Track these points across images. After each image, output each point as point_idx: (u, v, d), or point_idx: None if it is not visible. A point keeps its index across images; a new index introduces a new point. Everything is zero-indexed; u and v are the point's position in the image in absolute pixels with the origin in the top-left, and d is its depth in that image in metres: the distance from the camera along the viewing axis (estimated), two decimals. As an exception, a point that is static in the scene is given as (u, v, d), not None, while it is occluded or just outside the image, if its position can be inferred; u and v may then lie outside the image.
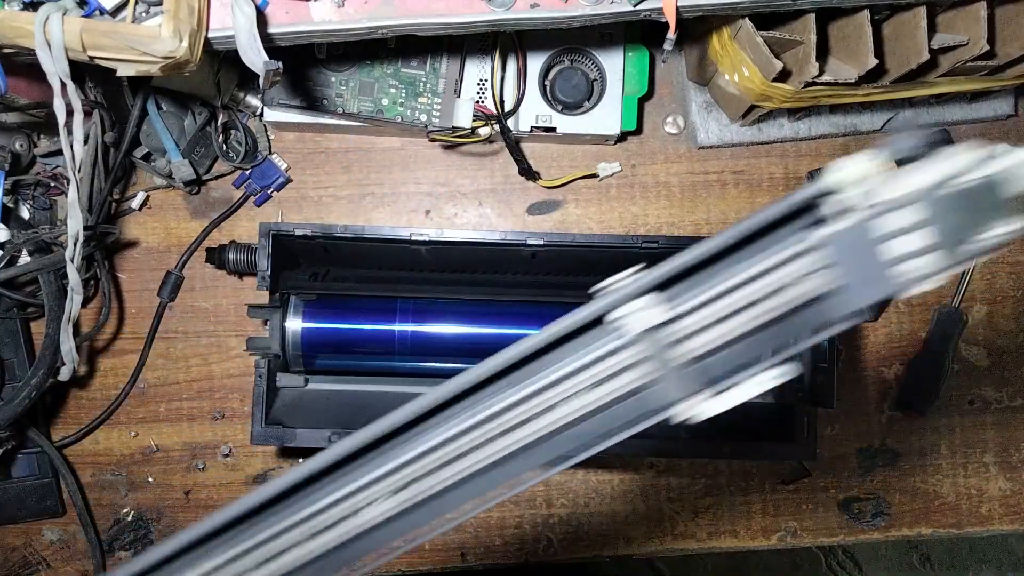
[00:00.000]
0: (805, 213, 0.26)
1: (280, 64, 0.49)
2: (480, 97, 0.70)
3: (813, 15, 0.60)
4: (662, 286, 0.26)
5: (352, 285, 0.67)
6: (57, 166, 0.70)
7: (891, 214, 0.24)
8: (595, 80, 0.71)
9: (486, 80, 0.70)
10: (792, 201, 0.25)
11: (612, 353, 0.27)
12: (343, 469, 0.29)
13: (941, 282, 0.25)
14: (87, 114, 0.64)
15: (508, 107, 0.70)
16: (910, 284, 0.25)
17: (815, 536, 0.78)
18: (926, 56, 0.60)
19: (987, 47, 0.61)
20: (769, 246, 0.26)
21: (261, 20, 0.51)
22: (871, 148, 0.26)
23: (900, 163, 0.25)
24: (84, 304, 0.73)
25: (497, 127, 0.70)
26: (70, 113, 0.50)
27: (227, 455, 0.75)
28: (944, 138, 0.26)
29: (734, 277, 0.26)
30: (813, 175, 0.75)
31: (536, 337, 0.27)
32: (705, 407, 0.26)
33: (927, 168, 0.24)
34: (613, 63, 0.71)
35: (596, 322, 0.27)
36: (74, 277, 0.58)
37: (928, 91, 0.68)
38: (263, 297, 0.62)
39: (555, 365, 0.28)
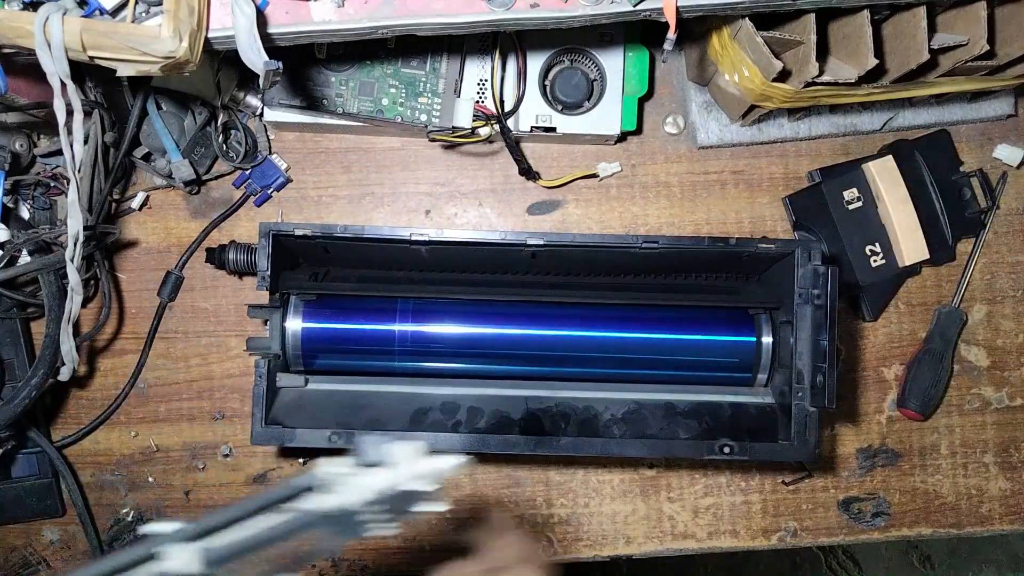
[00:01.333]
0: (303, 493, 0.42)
1: (280, 64, 0.49)
2: (480, 97, 0.70)
3: (813, 15, 0.60)
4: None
5: (352, 285, 0.67)
6: (57, 166, 0.70)
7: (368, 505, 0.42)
8: (595, 80, 0.71)
9: (486, 80, 0.70)
10: (292, 487, 0.42)
11: None
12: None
13: (397, 530, 0.43)
14: (87, 114, 0.64)
15: (508, 107, 0.70)
16: (376, 530, 0.43)
17: (815, 536, 0.78)
18: (926, 56, 0.60)
19: (987, 47, 0.61)
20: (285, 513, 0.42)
21: (261, 20, 0.51)
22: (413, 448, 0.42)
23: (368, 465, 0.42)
24: (84, 304, 0.73)
25: (497, 127, 0.70)
26: (70, 113, 0.50)
27: (227, 455, 0.75)
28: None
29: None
30: (812, 175, 0.75)
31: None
32: None
33: (382, 473, 0.42)
34: (613, 63, 0.71)
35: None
36: (74, 277, 0.58)
37: (928, 91, 0.68)
38: (263, 297, 0.62)
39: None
